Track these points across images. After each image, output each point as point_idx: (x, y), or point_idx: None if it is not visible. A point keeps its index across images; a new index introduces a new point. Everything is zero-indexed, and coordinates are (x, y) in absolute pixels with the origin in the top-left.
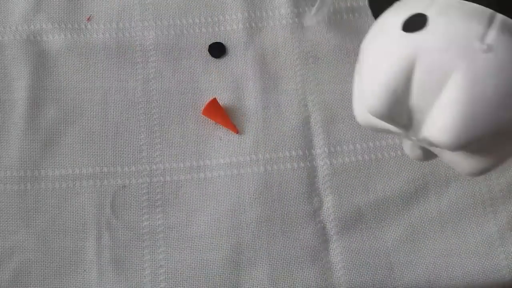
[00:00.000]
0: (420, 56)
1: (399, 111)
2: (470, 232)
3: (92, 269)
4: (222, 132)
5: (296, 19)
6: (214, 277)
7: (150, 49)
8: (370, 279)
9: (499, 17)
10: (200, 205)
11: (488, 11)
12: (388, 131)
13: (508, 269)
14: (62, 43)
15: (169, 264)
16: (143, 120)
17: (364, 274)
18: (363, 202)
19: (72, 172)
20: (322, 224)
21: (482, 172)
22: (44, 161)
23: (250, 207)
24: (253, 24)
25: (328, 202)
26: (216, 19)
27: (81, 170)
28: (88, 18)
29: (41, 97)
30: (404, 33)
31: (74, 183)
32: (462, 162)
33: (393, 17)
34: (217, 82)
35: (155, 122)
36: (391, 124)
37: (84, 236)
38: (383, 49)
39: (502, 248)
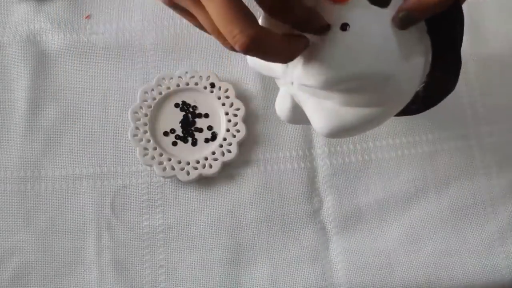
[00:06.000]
0: None
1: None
2: (470, 232)
3: (92, 269)
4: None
5: None
6: (214, 277)
7: (150, 49)
8: (370, 279)
9: None
10: (200, 205)
11: None
12: (270, 70)
13: (508, 269)
14: (62, 43)
15: (169, 264)
16: None
17: (364, 274)
18: (363, 202)
19: (72, 172)
20: (322, 224)
21: (337, 130)
22: (44, 161)
23: (250, 207)
24: None
25: (328, 202)
26: None
27: (81, 170)
28: (87, 16)
29: (41, 97)
30: None
31: (74, 183)
32: (320, 117)
33: None
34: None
35: None
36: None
37: (84, 236)
38: None
39: (502, 248)
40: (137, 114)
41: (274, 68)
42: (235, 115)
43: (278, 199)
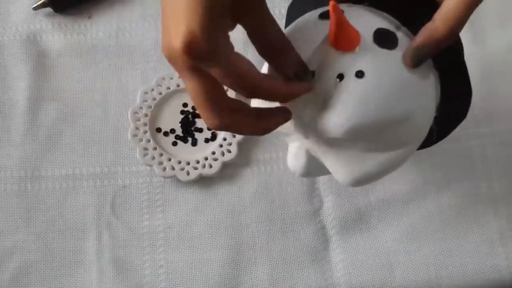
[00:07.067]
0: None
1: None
2: (470, 232)
3: (92, 269)
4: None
5: None
6: (214, 276)
7: (150, 49)
8: (370, 279)
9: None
10: (200, 205)
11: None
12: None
13: (508, 269)
14: (62, 43)
15: (169, 264)
16: None
17: (364, 274)
18: (363, 202)
19: (72, 172)
20: (322, 224)
21: (361, 179)
22: (44, 161)
23: (250, 207)
24: None
25: (328, 202)
26: None
27: (81, 170)
28: (88, 17)
29: (41, 97)
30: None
31: (74, 183)
32: (343, 167)
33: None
34: None
35: None
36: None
37: (84, 236)
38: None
39: (502, 248)
40: (137, 114)
41: (284, 125)
42: None
43: (278, 199)
